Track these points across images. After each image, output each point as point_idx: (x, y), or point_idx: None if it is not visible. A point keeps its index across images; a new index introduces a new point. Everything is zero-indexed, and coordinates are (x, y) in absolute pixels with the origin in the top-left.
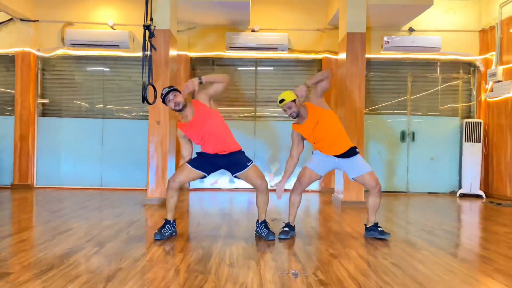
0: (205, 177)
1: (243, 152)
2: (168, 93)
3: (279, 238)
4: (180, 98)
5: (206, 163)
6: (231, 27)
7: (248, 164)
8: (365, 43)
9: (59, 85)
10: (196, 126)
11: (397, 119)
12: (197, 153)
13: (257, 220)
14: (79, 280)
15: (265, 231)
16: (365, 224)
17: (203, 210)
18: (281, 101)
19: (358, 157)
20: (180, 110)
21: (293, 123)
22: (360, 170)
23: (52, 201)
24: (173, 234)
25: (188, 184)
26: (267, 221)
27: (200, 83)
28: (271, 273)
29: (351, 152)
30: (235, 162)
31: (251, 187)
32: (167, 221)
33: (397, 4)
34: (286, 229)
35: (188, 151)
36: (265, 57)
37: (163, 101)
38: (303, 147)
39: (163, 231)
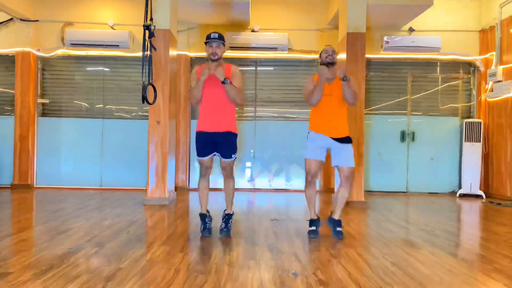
0: (215, 155)
1: (236, 136)
2: (215, 39)
3: (310, 238)
4: (220, 52)
5: (207, 146)
6: (231, 27)
7: (233, 156)
8: (365, 43)
9: (59, 85)
10: (213, 81)
11: (397, 119)
12: (196, 133)
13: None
14: (79, 280)
15: (222, 224)
16: (331, 212)
17: None
18: (329, 45)
19: (350, 148)
20: (213, 61)
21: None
22: (345, 161)
23: (52, 201)
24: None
25: (187, 183)
26: (232, 214)
27: (224, 82)
28: (271, 273)
29: (346, 139)
30: (228, 145)
31: (251, 187)
32: (204, 215)
33: (397, 4)
34: (313, 228)
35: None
36: (265, 57)
37: (206, 42)
38: None
39: (207, 226)
